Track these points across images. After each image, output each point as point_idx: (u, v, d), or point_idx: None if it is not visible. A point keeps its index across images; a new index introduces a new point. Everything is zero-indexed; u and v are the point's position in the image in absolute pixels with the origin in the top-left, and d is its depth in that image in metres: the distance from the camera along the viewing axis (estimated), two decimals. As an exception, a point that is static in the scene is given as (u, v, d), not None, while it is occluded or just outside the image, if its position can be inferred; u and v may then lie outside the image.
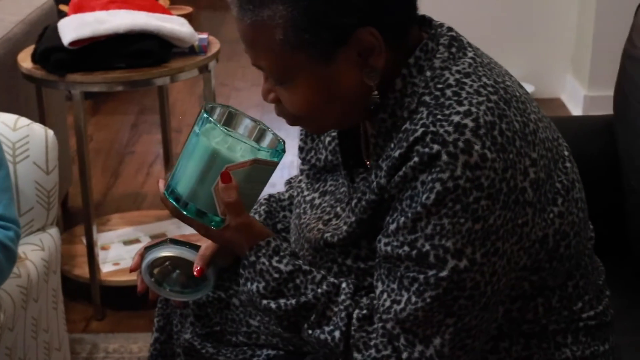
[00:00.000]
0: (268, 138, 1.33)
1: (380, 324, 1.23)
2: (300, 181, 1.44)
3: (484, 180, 1.15)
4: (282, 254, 1.30)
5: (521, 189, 1.18)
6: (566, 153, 1.32)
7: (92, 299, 2.67)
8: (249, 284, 1.30)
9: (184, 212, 1.27)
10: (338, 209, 1.34)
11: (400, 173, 1.18)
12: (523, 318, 1.29)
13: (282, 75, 1.22)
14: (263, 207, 1.57)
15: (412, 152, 1.17)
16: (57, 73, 2.40)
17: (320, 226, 1.34)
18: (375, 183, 1.23)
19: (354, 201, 1.28)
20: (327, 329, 1.25)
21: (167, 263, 1.47)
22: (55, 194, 2.03)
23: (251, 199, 1.31)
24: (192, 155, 1.24)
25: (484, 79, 1.22)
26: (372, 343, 1.22)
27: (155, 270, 1.46)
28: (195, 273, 1.42)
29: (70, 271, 2.75)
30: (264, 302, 1.29)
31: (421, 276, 1.17)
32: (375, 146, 1.26)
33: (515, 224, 1.19)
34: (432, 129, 1.16)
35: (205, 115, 1.24)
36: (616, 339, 1.41)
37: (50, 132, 2.01)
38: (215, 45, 2.66)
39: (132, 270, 1.48)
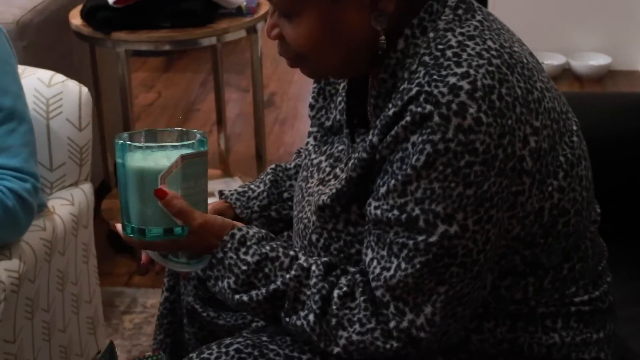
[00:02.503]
0: (191, 135, 1.30)
1: (362, 298, 1.21)
2: (307, 144, 1.42)
3: (479, 145, 1.12)
4: (248, 243, 1.26)
5: (519, 157, 1.16)
6: (574, 127, 1.27)
7: (135, 254, 2.72)
8: (219, 282, 1.27)
9: (150, 239, 1.26)
10: (337, 169, 1.32)
11: (392, 133, 1.16)
12: (511, 297, 1.26)
13: (290, 7, 1.20)
14: (269, 177, 1.56)
15: (405, 112, 1.15)
16: (102, 31, 2.43)
17: (320, 187, 1.32)
18: (368, 141, 1.21)
19: (350, 160, 1.27)
20: (302, 314, 1.23)
21: None
22: (89, 151, 2.06)
23: (200, 195, 1.28)
24: (127, 185, 1.24)
25: (489, 42, 1.19)
26: (355, 318, 1.21)
27: None
28: None
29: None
30: (237, 297, 1.26)
31: (410, 242, 1.15)
32: (375, 107, 1.24)
33: (510, 191, 1.16)
34: (426, 88, 1.14)
35: (119, 142, 1.24)
36: (622, 327, 1.37)
37: (85, 89, 2.04)
38: (265, 7, 2.65)
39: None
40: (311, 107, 1.42)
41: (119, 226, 1.28)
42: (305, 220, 1.33)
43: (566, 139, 1.24)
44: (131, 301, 2.57)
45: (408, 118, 1.14)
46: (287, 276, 1.24)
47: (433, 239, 1.14)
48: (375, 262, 1.19)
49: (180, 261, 1.46)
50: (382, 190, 1.18)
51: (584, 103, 1.31)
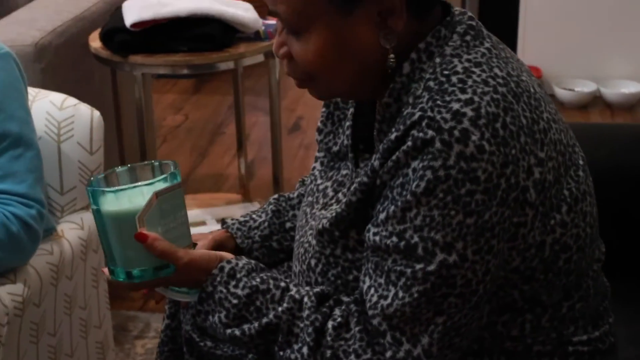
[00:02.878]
0: (165, 167, 1.28)
1: (357, 328, 1.18)
2: (314, 169, 1.40)
3: (481, 174, 1.10)
4: (238, 276, 1.24)
5: (523, 188, 1.13)
6: (581, 162, 1.25)
7: (151, 278, 2.70)
8: (210, 317, 1.25)
9: (139, 280, 1.24)
10: (340, 194, 1.30)
11: (394, 157, 1.14)
12: (508, 334, 1.23)
13: (298, 23, 1.18)
14: (271, 207, 1.54)
15: (407, 136, 1.13)
16: (120, 54, 2.43)
17: (323, 212, 1.30)
18: (369, 165, 1.19)
19: (352, 185, 1.24)
20: (295, 347, 1.20)
21: None
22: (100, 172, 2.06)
23: (181, 227, 1.25)
24: (105, 230, 1.22)
25: (496, 70, 1.16)
26: (350, 349, 1.18)
27: None
28: None
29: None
30: (228, 331, 1.24)
31: (408, 270, 1.13)
32: (379, 132, 1.22)
33: (512, 222, 1.14)
34: (429, 113, 1.11)
35: (89, 189, 1.22)
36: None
37: (97, 113, 2.04)
38: (284, 32, 2.64)
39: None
40: (319, 131, 1.40)
41: (106, 270, 1.26)
42: (306, 245, 1.32)
43: (571, 173, 1.21)
44: (145, 326, 2.56)
45: (409, 143, 1.12)
46: (280, 309, 1.21)
47: (431, 267, 1.12)
48: (372, 290, 1.17)
49: (180, 291, 1.43)
50: (382, 216, 1.16)
51: (590, 135, 1.27)
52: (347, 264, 1.26)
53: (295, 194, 1.57)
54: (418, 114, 1.13)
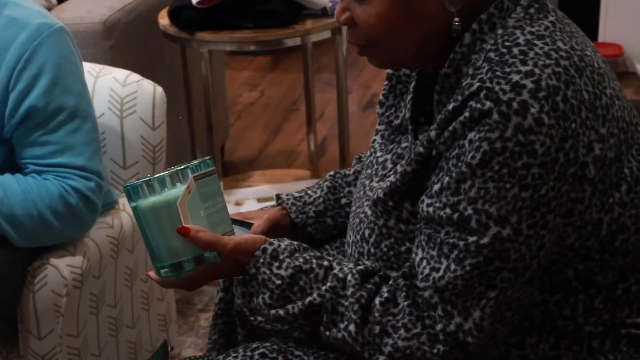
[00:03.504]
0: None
1: (405, 302, 1.17)
2: (374, 141, 1.39)
3: (538, 147, 1.08)
4: (281, 257, 1.23)
5: (582, 163, 1.11)
6: None
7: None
8: (254, 298, 1.24)
9: (186, 273, 1.23)
10: (398, 166, 1.29)
11: (450, 128, 1.13)
12: (559, 313, 1.21)
13: None
14: (326, 183, 1.54)
15: (464, 107, 1.12)
16: (187, 31, 2.45)
17: (380, 183, 1.30)
18: (426, 136, 1.18)
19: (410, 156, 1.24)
20: (341, 325, 1.20)
21: None
22: (162, 150, 2.09)
23: (222, 212, 1.26)
24: (147, 226, 1.22)
25: (559, 44, 1.15)
26: (399, 324, 1.17)
27: None
28: None
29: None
30: (272, 311, 1.23)
31: (461, 242, 1.12)
32: (438, 103, 1.21)
33: (569, 198, 1.12)
34: (487, 84, 1.10)
35: (125, 187, 1.22)
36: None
37: (159, 89, 2.06)
38: (352, 8, 2.62)
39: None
40: (381, 104, 1.39)
41: (152, 274, 1.27)
42: (362, 215, 1.31)
43: (633, 152, 1.19)
44: (209, 299, 2.59)
45: (467, 114, 1.11)
46: (323, 288, 1.21)
47: (484, 240, 1.10)
48: (424, 262, 1.16)
49: None
50: (436, 187, 1.15)
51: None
52: (400, 235, 1.25)
53: (352, 171, 1.57)
54: (477, 84, 1.11)
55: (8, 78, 1.71)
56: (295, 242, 1.27)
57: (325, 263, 1.24)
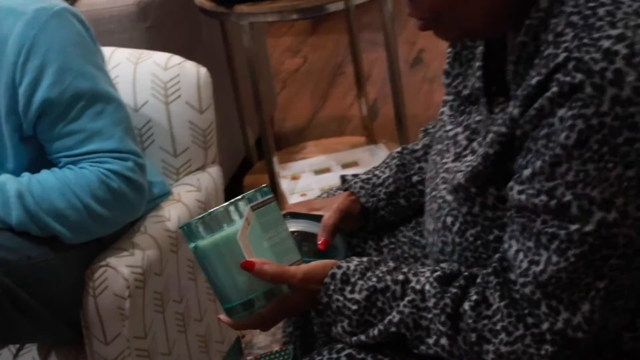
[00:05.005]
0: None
1: (501, 303, 1.06)
2: (442, 114, 1.28)
3: (639, 119, 0.96)
4: (352, 280, 1.14)
5: None
6: None
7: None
8: (333, 328, 1.15)
9: (257, 310, 1.16)
10: (474, 143, 1.18)
11: (536, 105, 1.01)
12: None
13: None
14: (394, 161, 1.43)
15: (551, 81, 1.00)
16: (225, 5, 2.35)
17: (456, 164, 1.19)
18: (508, 114, 1.07)
19: (488, 134, 1.12)
20: (430, 341, 1.10)
21: (295, 234, 1.38)
22: (213, 133, 1.99)
23: (287, 241, 1.18)
24: (210, 267, 1.15)
25: None
26: (498, 327, 1.06)
27: None
28: (319, 246, 1.32)
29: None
30: (354, 339, 1.14)
31: (562, 232, 1.00)
32: (515, 74, 1.09)
33: None
34: (575, 54, 0.98)
35: (182, 228, 1.16)
36: None
37: (203, 70, 1.96)
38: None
39: None
40: (446, 74, 1.27)
41: (223, 317, 1.19)
42: (440, 200, 1.20)
43: None
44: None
45: (555, 89, 0.99)
46: (402, 304, 1.11)
47: (589, 228, 0.99)
48: (521, 255, 1.05)
49: (307, 260, 1.35)
50: (527, 172, 1.03)
51: None
52: (488, 223, 1.13)
53: (420, 145, 1.45)
54: (563, 55, 0.99)
55: (12, 74, 1.62)
56: (365, 260, 1.17)
57: (401, 277, 1.13)
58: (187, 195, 1.91)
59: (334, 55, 4.16)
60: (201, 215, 1.14)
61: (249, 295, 1.13)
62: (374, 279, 1.13)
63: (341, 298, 1.13)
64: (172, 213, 1.85)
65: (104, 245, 1.74)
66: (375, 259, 1.17)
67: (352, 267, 1.15)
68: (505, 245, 1.08)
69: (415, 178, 1.42)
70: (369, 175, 1.42)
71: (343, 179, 1.46)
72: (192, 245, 1.14)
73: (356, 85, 3.08)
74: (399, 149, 1.44)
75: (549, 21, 1.04)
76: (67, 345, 1.79)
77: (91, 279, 1.68)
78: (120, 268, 1.68)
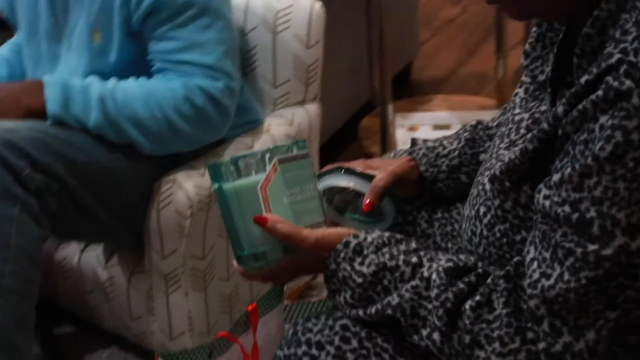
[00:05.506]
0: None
1: (504, 310, 0.99)
2: (516, 95, 1.20)
3: None
4: (365, 252, 1.08)
5: None
6: None
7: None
8: (337, 296, 1.11)
9: (267, 265, 1.11)
10: (530, 134, 1.10)
11: (580, 107, 0.93)
12: None
13: None
14: (465, 134, 1.35)
15: (600, 83, 0.92)
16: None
17: (506, 152, 1.12)
18: (552, 111, 0.99)
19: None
20: (424, 332, 1.03)
21: (350, 190, 1.35)
22: (317, 70, 1.96)
23: (311, 202, 1.13)
24: (228, 211, 1.10)
25: None
26: (495, 334, 0.99)
27: (337, 198, 1.35)
28: (363, 207, 1.28)
29: (369, 147, 2.71)
30: (353, 312, 1.09)
31: (579, 249, 0.92)
32: (578, 68, 1.01)
33: None
34: (631, 58, 0.89)
35: (210, 168, 1.11)
36: None
37: (317, 5, 1.92)
38: None
39: None
40: (526, 54, 1.18)
41: (235, 263, 1.15)
42: (480, 187, 1.14)
43: None
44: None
45: (600, 92, 0.91)
46: (404, 288, 1.05)
47: (607, 252, 0.91)
48: (535, 265, 0.97)
49: (356, 218, 1.33)
50: (556, 177, 0.95)
51: None
52: (517, 222, 1.07)
53: (495, 123, 1.37)
54: (617, 56, 0.90)
55: None
56: (386, 235, 1.10)
57: (414, 260, 1.07)
58: (277, 127, 1.90)
59: (495, 11, 4.02)
60: (232, 157, 1.11)
61: (260, 248, 1.10)
62: (387, 256, 1.08)
63: (349, 268, 1.08)
64: (257, 143, 1.84)
65: (181, 162, 1.76)
66: (399, 236, 1.11)
67: (369, 239, 1.09)
68: (525, 251, 1.01)
69: (482, 156, 1.34)
70: (436, 144, 1.35)
71: (413, 141, 1.41)
72: (216, 185, 1.11)
73: (497, 45, 2.96)
74: (473, 123, 1.37)
75: (620, 15, 0.94)
76: (129, 251, 1.84)
77: (158, 192, 1.70)
78: (186, 186, 1.70)
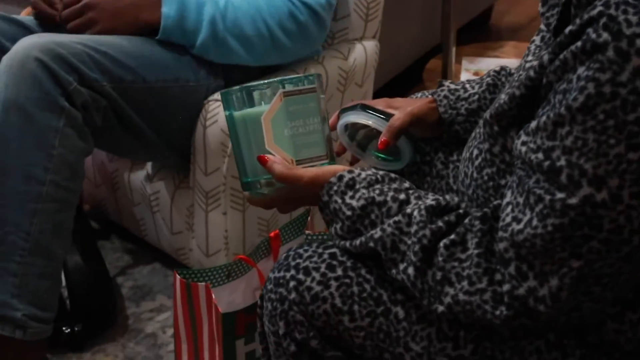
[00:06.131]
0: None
1: (475, 251, 1.01)
2: (532, 42, 1.20)
3: None
4: (357, 187, 1.10)
5: None
6: None
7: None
8: (330, 227, 1.14)
9: (268, 192, 1.16)
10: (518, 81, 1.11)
11: (561, 56, 0.95)
12: None
13: None
14: (488, 79, 1.36)
15: (582, 34, 0.93)
16: None
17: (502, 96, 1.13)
18: (540, 59, 1.01)
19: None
20: (401, 266, 1.06)
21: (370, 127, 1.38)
22: (378, 7, 1.98)
23: (314, 135, 1.15)
24: (235, 138, 1.16)
25: None
26: (464, 273, 1.01)
27: (359, 133, 1.38)
28: (378, 145, 1.31)
29: (431, 89, 2.70)
30: (342, 243, 1.12)
31: (547, 197, 0.94)
32: (574, 18, 1.00)
33: None
34: (611, 11, 0.89)
35: (222, 95, 1.16)
36: None
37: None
38: None
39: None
40: (543, 2, 1.17)
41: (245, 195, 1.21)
42: (477, 129, 1.16)
43: None
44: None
45: (579, 43, 0.92)
46: (387, 222, 1.08)
47: (573, 200, 0.92)
48: (509, 209, 0.99)
49: (378, 155, 1.36)
50: (533, 124, 0.97)
51: None
52: (503, 167, 1.09)
53: (515, 70, 1.37)
54: (599, 8, 0.90)
55: None
56: (381, 173, 1.13)
57: (402, 197, 1.09)
58: (331, 60, 1.92)
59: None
60: (242, 86, 1.15)
61: (260, 177, 1.15)
62: (377, 192, 1.10)
63: (339, 200, 1.11)
64: (351, 55, 1.90)
65: (230, 84, 1.80)
66: (393, 175, 1.13)
67: (362, 175, 1.12)
68: (504, 194, 1.03)
69: None
70: (458, 87, 1.37)
71: (440, 82, 1.42)
72: (227, 113, 1.16)
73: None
74: (497, 68, 1.37)
75: None
76: (174, 168, 1.90)
77: (206, 109, 1.76)
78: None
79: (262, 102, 1.14)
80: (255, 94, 1.14)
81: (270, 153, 1.13)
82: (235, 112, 1.15)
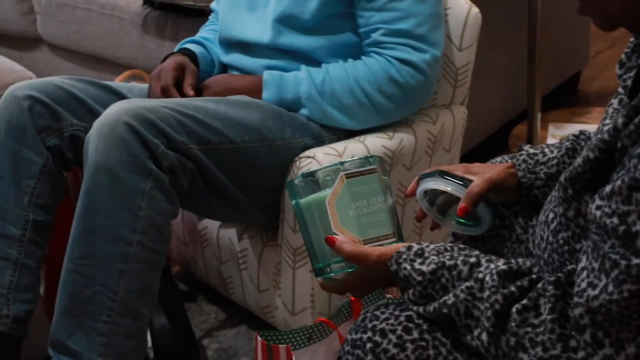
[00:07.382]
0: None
1: (549, 316, 1.01)
2: (610, 105, 1.19)
3: None
4: (426, 254, 1.11)
5: None
6: None
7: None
8: (404, 294, 1.14)
9: (336, 275, 1.18)
10: (592, 144, 1.11)
11: (636, 120, 0.95)
12: None
13: None
14: (567, 143, 1.36)
15: None
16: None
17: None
18: (614, 122, 1.01)
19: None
20: (475, 332, 1.06)
21: (439, 194, 1.39)
22: (467, 73, 1.99)
23: (379, 214, 1.18)
24: (304, 225, 1.18)
25: None
26: (538, 339, 1.01)
27: (439, 199, 1.39)
28: (457, 213, 1.32)
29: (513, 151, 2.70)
30: (415, 308, 1.13)
31: (623, 262, 0.93)
32: None
33: None
34: None
35: (290, 183, 1.19)
36: None
37: (475, 10, 1.95)
38: None
39: (407, 195, 1.41)
40: (621, 64, 1.16)
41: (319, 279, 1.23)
42: (554, 193, 1.16)
43: None
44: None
45: None
46: (460, 287, 1.08)
47: None
48: (584, 274, 0.99)
49: (458, 221, 1.37)
50: (608, 188, 0.97)
51: None
52: (578, 231, 1.09)
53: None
54: None
55: None
56: (450, 244, 1.14)
57: (472, 260, 1.09)
58: (419, 124, 1.94)
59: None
60: (305, 173, 1.19)
61: (331, 260, 1.17)
62: (447, 256, 1.11)
63: (409, 267, 1.12)
64: (396, 135, 1.89)
65: (321, 144, 1.83)
66: (462, 245, 1.14)
67: (432, 246, 1.13)
68: (579, 259, 1.02)
69: None
70: (537, 151, 1.37)
71: (519, 147, 1.43)
72: (293, 202, 1.19)
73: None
74: (576, 132, 1.38)
75: None
76: (261, 229, 1.93)
77: (297, 166, 1.77)
78: (324, 163, 1.74)
79: (326, 187, 1.17)
80: (319, 180, 1.18)
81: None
82: (300, 200, 1.18)
